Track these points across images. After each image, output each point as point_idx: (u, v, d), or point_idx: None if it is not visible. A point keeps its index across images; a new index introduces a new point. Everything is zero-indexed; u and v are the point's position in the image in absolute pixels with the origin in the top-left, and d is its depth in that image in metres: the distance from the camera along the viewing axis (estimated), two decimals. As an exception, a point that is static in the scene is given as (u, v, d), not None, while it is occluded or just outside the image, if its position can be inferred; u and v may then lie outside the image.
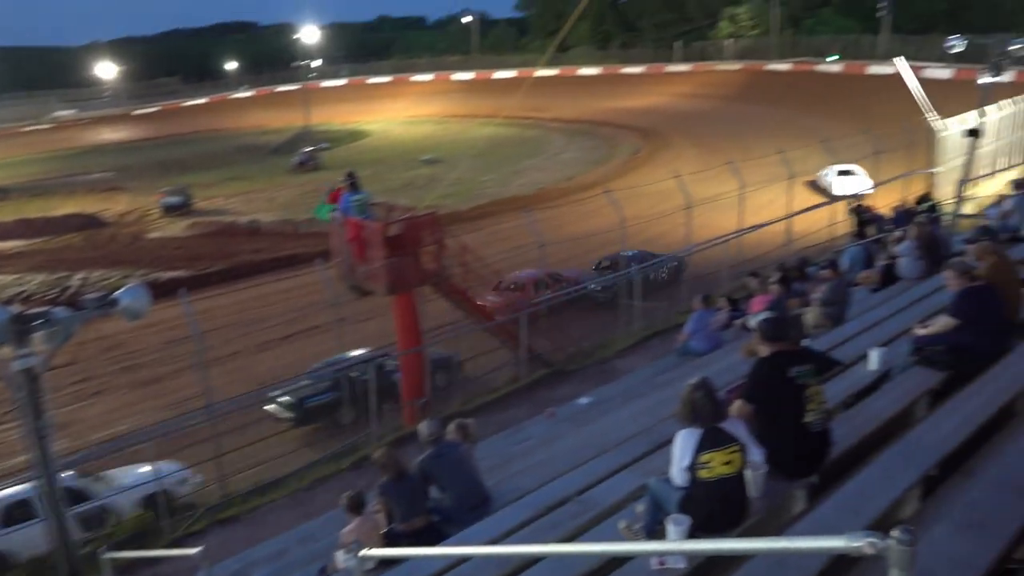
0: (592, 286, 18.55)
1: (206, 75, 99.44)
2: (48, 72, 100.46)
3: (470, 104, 76.08)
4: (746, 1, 79.82)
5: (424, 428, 6.92)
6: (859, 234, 17.64)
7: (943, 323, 6.38)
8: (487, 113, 66.96)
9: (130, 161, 60.55)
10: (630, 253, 19.84)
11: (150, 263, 28.94)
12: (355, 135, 68.87)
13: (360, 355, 14.71)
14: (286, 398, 14.71)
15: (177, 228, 35.76)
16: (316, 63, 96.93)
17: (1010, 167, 26.52)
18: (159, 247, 32.00)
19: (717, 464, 4.42)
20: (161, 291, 21.47)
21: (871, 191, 24.67)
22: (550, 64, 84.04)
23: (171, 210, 38.48)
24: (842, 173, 32.10)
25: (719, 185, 24.70)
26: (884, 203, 20.79)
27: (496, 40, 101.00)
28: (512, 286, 19.07)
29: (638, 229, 20.99)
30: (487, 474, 7.46)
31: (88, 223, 36.75)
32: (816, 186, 32.23)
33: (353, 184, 14.03)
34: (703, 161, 39.52)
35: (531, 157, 49.73)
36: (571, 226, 26.40)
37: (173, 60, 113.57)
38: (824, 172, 32.64)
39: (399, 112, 78.65)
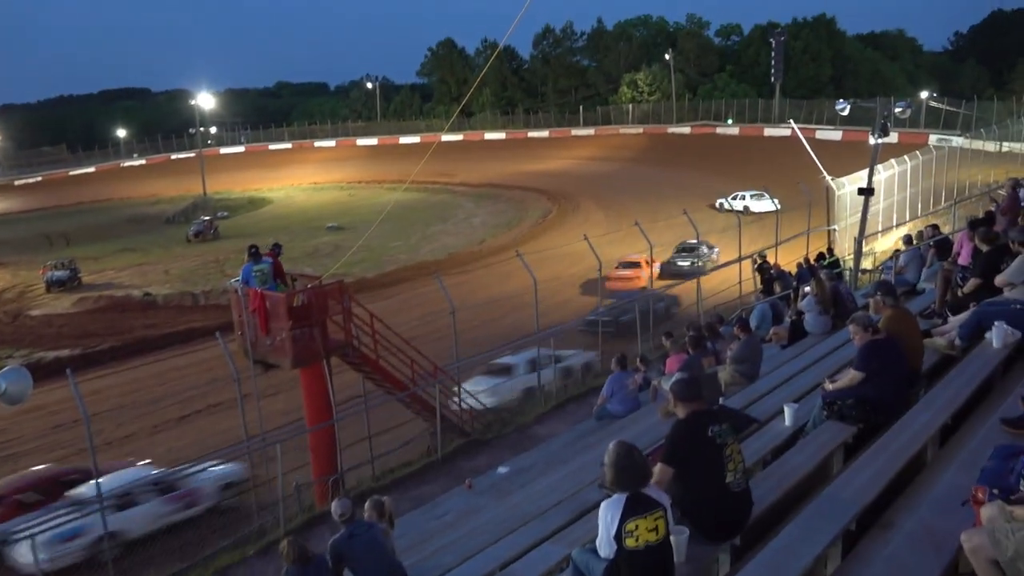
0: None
1: (94, 143, 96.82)
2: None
3: (376, 170, 76.37)
4: (645, 68, 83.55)
5: (336, 507, 6.71)
6: (766, 291, 18.36)
7: (850, 377, 6.63)
8: (393, 179, 67.27)
9: (10, 235, 57.96)
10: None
11: (33, 342, 27.49)
12: (255, 203, 67.93)
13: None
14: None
15: (63, 304, 34.15)
16: (213, 130, 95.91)
17: (902, 223, 28.11)
18: (43, 325, 30.47)
19: (643, 531, 4.39)
20: (45, 372, 20.40)
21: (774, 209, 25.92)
22: (455, 129, 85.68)
23: (57, 285, 36.79)
24: (754, 196, 39.23)
25: (629, 246, 25.33)
26: (787, 260, 21.76)
27: (400, 106, 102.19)
28: None
29: (553, 290, 21.26)
30: (405, 553, 7.26)
31: (-38, 302, 34.70)
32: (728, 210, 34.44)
33: (254, 253, 13.80)
34: (612, 223, 40.63)
35: (440, 222, 50.04)
36: (485, 290, 26.53)
37: (58, 128, 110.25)
38: (734, 196, 37.94)
39: (302, 179, 78.15)
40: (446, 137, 79.77)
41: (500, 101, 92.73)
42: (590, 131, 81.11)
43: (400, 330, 15.89)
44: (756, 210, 36.69)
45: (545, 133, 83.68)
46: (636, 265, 28.60)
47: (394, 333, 15.07)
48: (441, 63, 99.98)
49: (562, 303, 24.45)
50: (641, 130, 77.35)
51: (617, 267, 28.62)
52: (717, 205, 39.76)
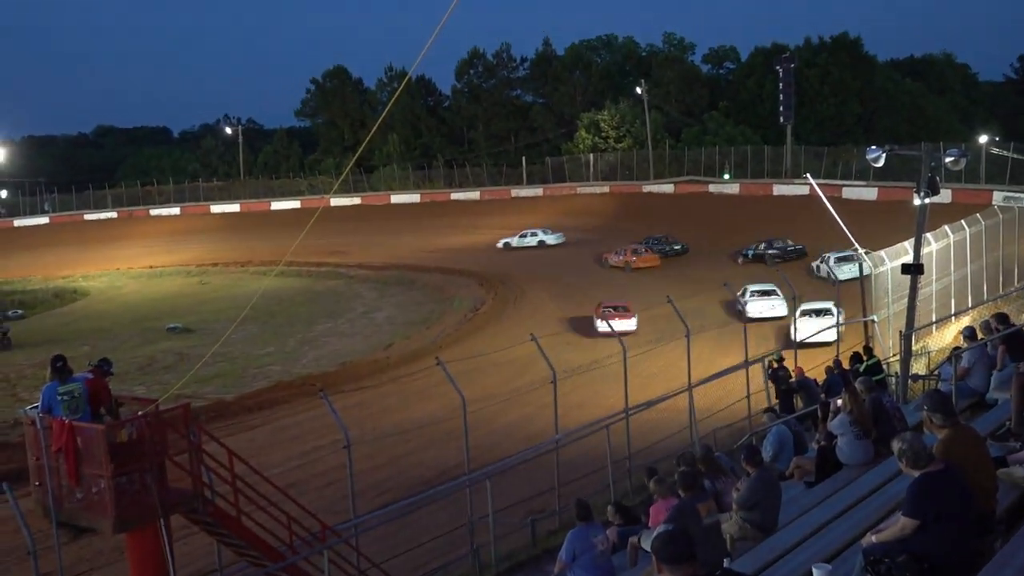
0: None
1: None
2: None
3: (238, 247, 76.27)
4: (610, 105, 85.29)
5: None
6: (784, 407, 18.64)
7: (900, 525, 6.69)
8: (263, 259, 67.07)
9: None
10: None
11: None
12: (65, 296, 66.78)
13: None
14: None
15: None
16: (3, 194, 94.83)
17: (962, 311, 28.67)
18: None
19: None
20: None
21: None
22: (349, 190, 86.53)
23: None
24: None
25: (594, 348, 25.63)
26: (812, 364, 22.21)
27: (271, 158, 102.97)
28: None
29: (491, 412, 21.24)
30: None
31: None
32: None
33: (60, 368, 13.56)
34: (567, 317, 41.04)
35: (329, 319, 49.91)
36: (393, 414, 26.41)
37: None
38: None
39: (132, 261, 77.44)
40: (336, 201, 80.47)
41: (412, 151, 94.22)
42: (536, 190, 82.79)
43: (273, 473, 15.67)
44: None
45: (475, 194, 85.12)
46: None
47: (264, 478, 14.83)
48: (329, 100, 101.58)
49: (503, 429, 24.39)
50: (607, 188, 79.12)
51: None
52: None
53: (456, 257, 63.40)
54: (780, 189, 67.13)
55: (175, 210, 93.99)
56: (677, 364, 24.41)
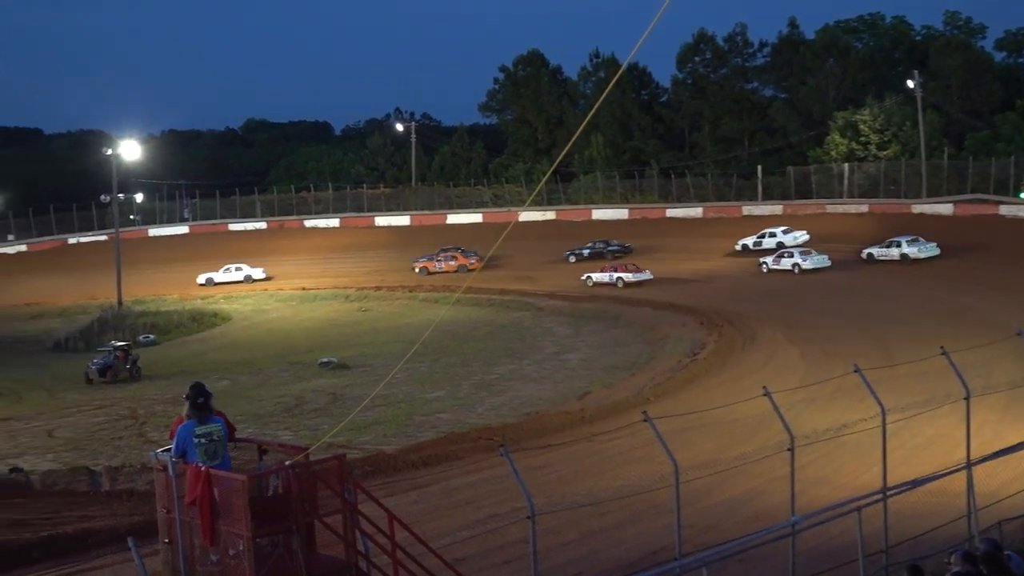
0: None
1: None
2: None
3: (405, 268, 77.99)
4: (872, 102, 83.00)
5: None
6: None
7: None
8: (435, 284, 68.22)
9: None
10: None
11: None
12: (203, 320, 69.71)
13: None
14: None
15: None
16: (138, 197, 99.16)
17: None
18: None
19: None
20: None
21: None
22: (542, 201, 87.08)
23: None
24: None
25: (842, 410, 25.10)
26: None
27: (450, 161, 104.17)
28: None
29: (710, 483, 21.00)
30: None
31: None
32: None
33: (200, 405, 13.94)
34: (811, 367, 40.11)
35: (513, 358, 50.21)
36: (585, 479, 26.35)
37: None
38: None
39: (282, 281, 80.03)
40: (527, 215, 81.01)
41: (620, 156, 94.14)
42: (774, 208, 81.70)
43: (441, 545, 15.83)
44: None
45: (696, 211, 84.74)
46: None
47: (430, 550, 15.01)
48: (521, 91, 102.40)
49: (724, 505, 24.05)
50: (865, 207, 77.29)
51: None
52: None
53: (670, 287, 63.09)
54: None
55: (333, 221, 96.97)
56: (952, 434, 23.56)
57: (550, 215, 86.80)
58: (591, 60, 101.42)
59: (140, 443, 36.80)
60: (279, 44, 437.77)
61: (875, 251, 64.08)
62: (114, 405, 44.81)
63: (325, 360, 50.67)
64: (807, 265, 63.57)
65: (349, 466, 14.72)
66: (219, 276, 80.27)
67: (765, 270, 65.52)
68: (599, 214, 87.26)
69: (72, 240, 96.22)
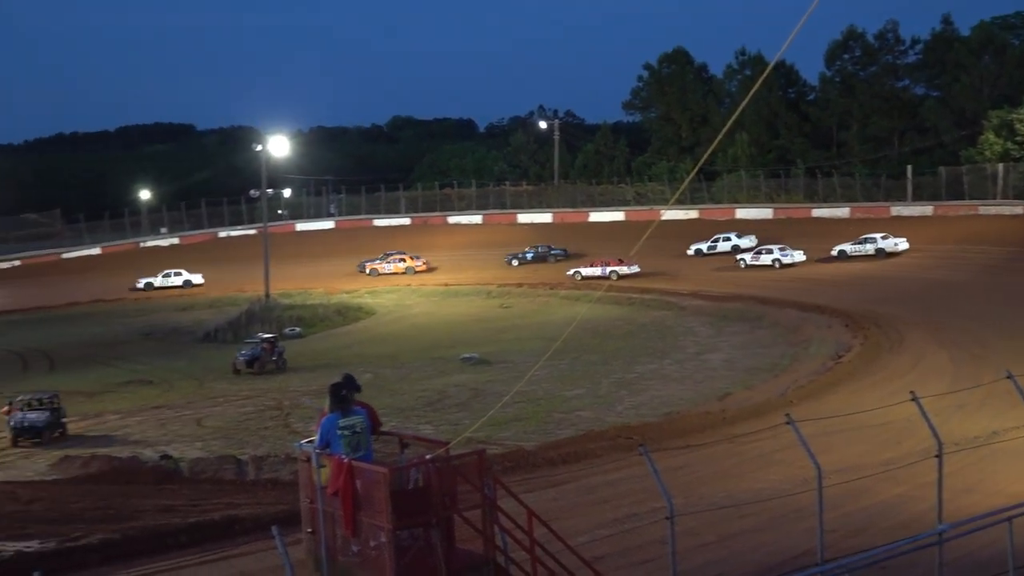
0: None
1: (103, 210, 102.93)
2: None
3: (548, 265, 78.06)
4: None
5: None
6: None
7: None
8: (575, 280, 68.06)
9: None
10: None
11: (-15, 527, 29.14)
12: (348, 314, 70.80)
13: None
14: None
15: (36, 466, 36.02)
16: (287, 193, 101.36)
17: None
18: (3, 498, 32.35)
19: None
20: (4, 573, 21.65)
21: None
22: (686, 200, 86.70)
23: (28, 434, 38.98)
24: None
25: (992, 417, 24.52)
26: None
27: (593, 159, 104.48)
28: None
29: (854, 489, 20.70)
30: None
31: None
32: None
33: (344, 397, 14.08)
34: (961, 373, 39.20)
35: (653, 357, 50.07)
36: (726, 480, 26.13)
37: (50, 183, 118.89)
38: None
39: (425, 276, 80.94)
40: (671, 214, 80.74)
41: (765, 154, 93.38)
42: (924, 208, 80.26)
43: (578, 543, 15.83)
44: None
45: (843, 211, 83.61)
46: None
47: (568, 547, 15.02)
48: (666, 89, 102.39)
49: (869, 511, 23.64)
50: (1020, 210, 75.22)
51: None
52: None
53: (815, 288, 62.24)
54: None
55: (476, 218, 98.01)
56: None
57: (693, 214, 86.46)
58: (737, 58, 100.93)
59: (285, 434, 37.53)
60: (426, 43, 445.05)
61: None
62: (260, 396, 45.82)
63: (467, 356, 51.14)
64: (787, 260, 70.83)
65: (488, 461, 14.76)
66: (158, 281, 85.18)
67: (743, 266, 72.07)
68: (743, 213, 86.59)
69: (222, 234, 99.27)
